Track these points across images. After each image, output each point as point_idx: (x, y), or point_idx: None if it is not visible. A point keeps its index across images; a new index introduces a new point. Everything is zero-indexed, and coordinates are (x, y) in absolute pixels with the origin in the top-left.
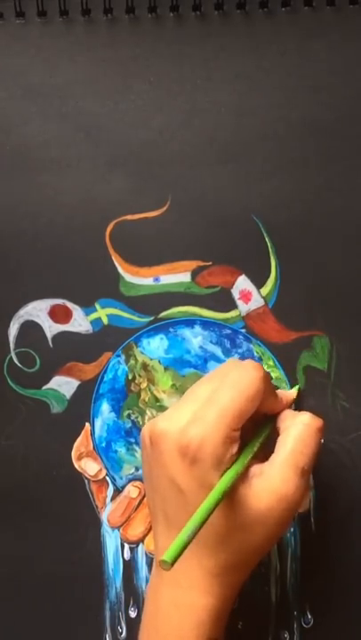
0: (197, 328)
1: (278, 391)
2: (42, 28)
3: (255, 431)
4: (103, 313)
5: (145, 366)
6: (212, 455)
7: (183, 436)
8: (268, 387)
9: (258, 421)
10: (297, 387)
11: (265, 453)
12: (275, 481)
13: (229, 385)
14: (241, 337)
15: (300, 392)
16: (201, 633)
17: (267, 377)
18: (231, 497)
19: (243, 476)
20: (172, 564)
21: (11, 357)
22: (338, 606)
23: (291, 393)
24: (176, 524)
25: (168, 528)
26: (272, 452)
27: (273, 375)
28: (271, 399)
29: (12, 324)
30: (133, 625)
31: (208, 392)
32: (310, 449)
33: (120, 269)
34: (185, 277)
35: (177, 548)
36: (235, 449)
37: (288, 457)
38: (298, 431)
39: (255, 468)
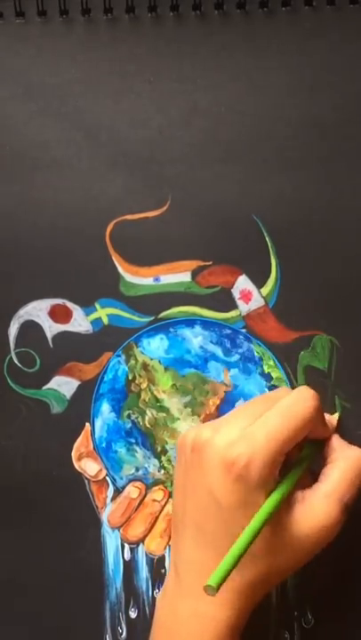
0: (198, 328)
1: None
2: (42, 28)
3: (298, 454)
4: (103, 313)
5: (145, 366)
6: (258, 475)
7: (230, 450)
8: (320, 416)
9: (302, 444)
10: (338, 413)
11: (307, 478)
12: (317, 512)
13: (283, 409)
14: (241, 337)
15: (340, 418)
16: None
17: (320, 407)
18: (271, 520)
19: (285, 500)
20: (218, 588)
21: (11, 357)
22: (338, 607)
23: (334, 418)
24: (209, 536)
25: (198, 539)
26: (313, 477)
27: (273, 375)
28: (320, 427)
29: (12, 323)
30: (134, 625)
31: (259, 412)
32: (355, 487)
33: (120, 269)
34: (185, 277)
35: (223, 572)
36: (278, 472)
37: (334, 491)
38: (347, 466)
39: (298, 495)
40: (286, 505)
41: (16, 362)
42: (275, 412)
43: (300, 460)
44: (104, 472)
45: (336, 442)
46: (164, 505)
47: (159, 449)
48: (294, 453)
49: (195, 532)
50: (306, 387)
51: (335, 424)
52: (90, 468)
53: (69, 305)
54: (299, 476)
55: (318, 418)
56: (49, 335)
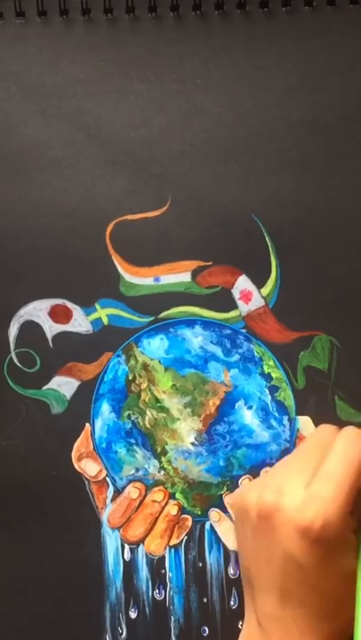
0: (198, 328)
1: None
2: (42, 28)
3: None
4: (103, 313)
5: (145, 366)
6: (336, 533)
7: (303, 515)
8: None
9: None
10: None
11: None
12: None
13: (339, 457)
14: (241, 337)
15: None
16: None
17: None
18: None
19: None
20: None
21: (11, 357)
22: None
23: None
24: (295, 596)
25: (285, 599)
26: None
27: (273, 375)
28: None
29: (12, 324)
30: (134, 625)
31: (312, 462)
32: None
33: (120, 269)
34: (185, 277)
35: None
36: (352, 520)
37: None
38: None
39: None
40: None
41: (16, 362)
42: (333, 461)
43: None
44: (104, 472)
45: None
46: (164, 506)
47: (159, 449)
48: None
49: (279, 592)
50: (352, 427)
51: None
52: (90, 468)
53: (69, 305)
54: None
55: None
56: (49, 335)
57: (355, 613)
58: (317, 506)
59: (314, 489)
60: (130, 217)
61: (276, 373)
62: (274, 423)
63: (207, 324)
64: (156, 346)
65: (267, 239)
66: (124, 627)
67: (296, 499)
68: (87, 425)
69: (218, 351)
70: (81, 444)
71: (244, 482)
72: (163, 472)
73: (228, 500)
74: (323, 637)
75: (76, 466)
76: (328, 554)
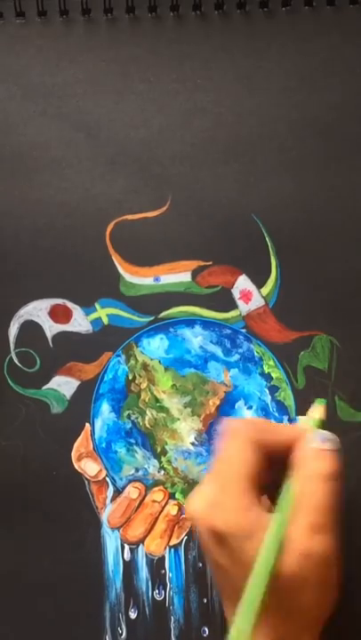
0: (198, 328)
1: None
2: (42, 28)
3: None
4: (103, 313)
5: (145, 366)
6: (235, 528)
7: (207, 518)
8: (260, 436)
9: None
10: (319, 403)
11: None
12: (295, 542)
13: (221, 460)
14: (241, 337)
15: (325, 408)
16: None
17: (254, 431)
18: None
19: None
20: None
21: (11, 357)
22: (338, 607)
23: (310, 419)
24: (228, 597)
25: (228, 604)
26: None
27: (273, 375)
28: (268, 439)
29: (12, 323)
30: (133, 626)
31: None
32: (320, 501)
33: (120, 269)
34: (185, 277)
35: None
36: (260, 510)
37: (301, 515)
38: (307, 486)
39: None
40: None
41: (16, 362)
42: (218, 463)
43: (280, 500)
44: (104, 472)
45: (303, 452)
46: (164, 506)
47: (159, 449)
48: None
49: (225, 598)
50: (233, 421)
51: (308, 426)
52: (90, 468)
53: (69, 305)
54: (285, 520)
55: (259, 439)
56: (49, 335)
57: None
58: (214, 508)
59: (210, 493)
60: (130, 217)
61: (276, 373)
62: None
63: (207, 324)
64: (155, 346)
65: (267, 239)
66: (123, 627)
67: (203, 504)
68: (87, 425)
69: (218, 351)
70: (81, 444)
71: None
72: (163, 472)
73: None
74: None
75: (75, 466)
76: (237, 552)
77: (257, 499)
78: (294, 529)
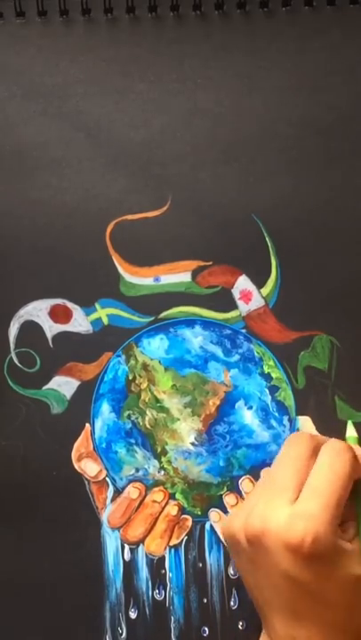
0: (198, 328)
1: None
2: (42, 28)
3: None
4: (103, 313)
5: (145, 366)
6: (327, 547)
7: (292, 534)
8: (358, 462)
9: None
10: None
11: None
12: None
13: (325, 472)
14: (241, 337)
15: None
16: None
17: (355, 455)
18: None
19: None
20: None
21: (11, 357)
22: None
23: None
24: (305, 614)
25: (292, 618)
26: None
27: (273, 375)
28: (359, 469)
29: (12, 323)
30: (133, 626)
31: (294, 478)
32: None
33: (120, 269)
34: (185, 277)
35: None
36: (341, 531)
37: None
38: None
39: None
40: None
41: (16, 362)
42: (318, 477)
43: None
44: (104, 473)
45: None
46: (164, 506)
47: (159, 450)
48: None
49: (288, 614)
50: (336, 440)
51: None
52: (90, 468)
53: (69, 305)
54: None
55: (357, 465)
56: (49, 335)
57: None
58: (305, 522)
59: (300, 506)
60: (130, 217)
61: (276, 373)
62: (274, 423)
63: (207, 324)
64: (156, 346)
65: (267, 239)
66: (123, 627)
67: (282, 518)
68: (87, 425)
69: (218, 351)
70: (81, 444)
71: (232, 510)
72: (163, 472)
73: (219, 530)
74: None
75: (75, 466)
76: (325, 567)
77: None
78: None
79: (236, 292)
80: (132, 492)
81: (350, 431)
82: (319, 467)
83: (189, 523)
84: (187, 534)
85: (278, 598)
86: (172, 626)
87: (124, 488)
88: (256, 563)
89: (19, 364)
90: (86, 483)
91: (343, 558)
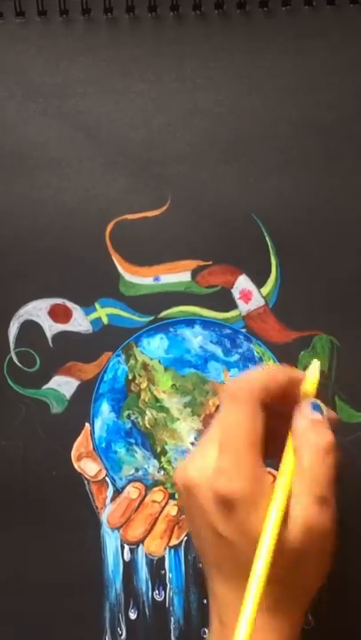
0: (198, 328)
1: (290, 373)
2: (42, 28)
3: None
4: (103, 312)
5: (145, 366)
6: (245, 498)
7: (213, 486)
8: (262, 391)
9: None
10: (315, 366)
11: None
12: (298, 515)
13: (226, 425)
14: (241, 337)
15: (323, 373)
16: None
17: (255, 394)
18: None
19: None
20: None
21: (11, 357)
22: (338, 608)
23: (308, 376)
24: (228, 570)
25: (222, 576)
26: None
27: None
28: (272, 390)
29: (11, 323)
30: (133, 626)
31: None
32: (322, 475)
33: (120, 269)
34: (185, 277)
35: (249, 626)
36: (267, 480)
37: (304, 488)
38: (308, 459)
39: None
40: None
41: (16, 361)
42: (222, 430)
43: (281, 469)
44: (104, 472)
45: (301, 423)
46: (164, 506)
47: (159, 449)
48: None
49: (216, 570)
50: (230, 384)
51: (309, 383)
52: (89, 468)
53: (69, 305)
54: (288, 491)
55: (262, 396)
56: (49, 335)
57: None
58: (222, 476)
59: (217, 461)
60: (130, 216)
61: None
62: None
63: (207, 324)
64: (155, 345)
65: (267, 239)
66: (123, 627)
67: (208, 471)
68: (87, 425)
69: (218, 351)
70: (80, 444)
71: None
72: (162, 472)
73: None
74: (272, 624)
75: (75, 466)
76: (244, 521)
77: (263, 467)
78: (297, 502)
79: (235, 292)
80: (132, 491)
81: (310, 374)
82: (221, 418)
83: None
84: (187, 535)
85: (209, 553)
86: (172, 627)
87: (123, 488)
88: (192, 514)
89: (18, 364)
90: (86, 482)
91: (260, 512)
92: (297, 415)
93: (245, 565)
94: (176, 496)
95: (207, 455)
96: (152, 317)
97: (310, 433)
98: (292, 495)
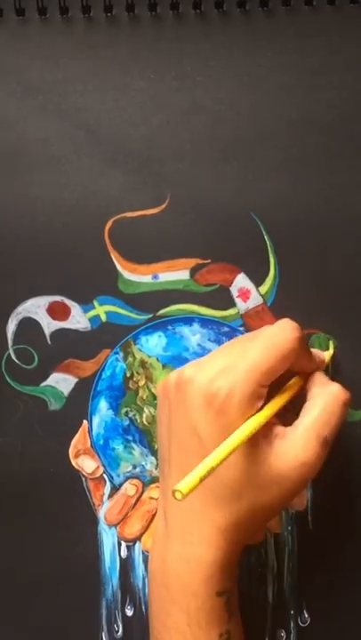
0: (196, 326)
1: (313, 351)
2: (42, 26)
3: (284, 389)
4: (102, 310)
5: (143, 364)
6: (238, 407)
7: (211, 384)
8: (303, 348)
9: (288, 380)
10: (331, 348)
11: (291, 415)
12: (297, 446)
13: (263, 341)
14: (239, 335)
15: (335, 352)
16: (211, 586)
17: (302, 338)
18: (251, 453)
19: (265, 434)
20: (186, 495)
21: (9, 354)
22: (335, 605)
23: (325, 354)
24: (190, 471)
25: (183, 475)
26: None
27: None
28: (304, 360)
29: (10, 320)
30: (130, 623)
31: (242, 346)
32: (334, 420)
33: (119, 266)
34: (184, 275)
35: (193, 480)
36: (260, 404)
37: (312, 425)
38: (325, 401)
39: (279, 429)
40: (268, 439)
41: (14, 358)
42: (255, 344)
43: (283, 390)
44: (101, 469)
45: (318, 377)
46: None
47: (156, 446)
48: (279, 389)
49: (178, 473)
50: (288, 319)
51: (326, 360)
52: (87, 465)
53: (68, 302)
54: (280, 405)
55: (301, 349)
56: (47, 332)
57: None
58: (226, 378)
59: (229, 361)
60: (129, 214)
61: None
62: None
63: (205, 322)
64: (154, 343)
65: (265, 237)
66: (120, 624)
67: (211, 372)
68: (85, 422)
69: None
70: (78, 441)
71: None
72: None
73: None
74: (216, 527)
75: (73, 462)
76: (228, 428)
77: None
78: (301, 435)
79: (234, 290)
80: (130, 488)
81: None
82: (260, 337)
83: None
84: None
85: (177, 454)
86: None
87: (121, 485)
88: (173, 412)
89: (16, 361)
90: (83, 479)
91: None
92: (318, 372)
93: (213, 474)
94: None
95: (211, 359)
96: (150, 315)
97: (332, 385)
98: (297, 428)
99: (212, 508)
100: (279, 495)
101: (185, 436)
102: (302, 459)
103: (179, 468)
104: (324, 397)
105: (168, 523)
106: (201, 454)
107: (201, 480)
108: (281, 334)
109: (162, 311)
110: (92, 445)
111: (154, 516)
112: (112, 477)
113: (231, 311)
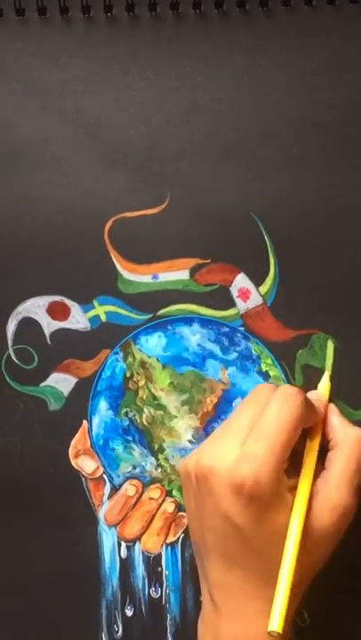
0: (196, 326)
1: (311, 398)
2: (42, 26)
3: (305, 460)
4: (101, 310)
5: (143, 364)
6: (269, 490)
7: (235, 473)
8: (309, 408)
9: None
10: (327, 380)
11: (317, 465)
12: (333, 500)
13: (273, 416)
14: (239, 335)
15: (332, 388)
16: None
17: (306, 401)
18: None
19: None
20: (283, 628)
21: (9, 354)
22: (334, 605)
23: (323, 395)
24: (235, 559)
25: (225, 564)
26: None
27: (271, 374)
28: (311, 415)
29: (10, 320)
30: (130, 624)
31: (249, 422)
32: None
33: (118, 266)
34: (183, 275)
35: (281, 614)
36: (288, 478)
37: (343, 476)
38: (350, 449)
39: (311, 488)
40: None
41: (14, 358)
42: (266, 420)
43: (306, 455)
44: (101, 470)
45: (336, 421)
46: (161, 503)
47: (156, 447)
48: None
49: (220, 558)
50: (288, 385)
51: (325, 402)
52: (87, 465)
53: (67, 302)
54: (310, 481)
55: (308, 411)
56: (47, 332)
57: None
58: (250, 464)
59: (246, 448)
60: (128, 214)
61: (274, 371)
62: None
63: (205, 322)
64: (153, 343)
65: (265, 237)
66: (120, 625)
67: (229, 459)
68: (84, 422)
69: (216, 349)
70: (78, 441)
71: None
72: (160, 469)
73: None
74: (269, 602)
75: (73, 463)
76: (263, 512)
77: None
78: (335, 488)
79: (234, 290)
80: (129, 489)
81: (323, 382)
82: (268, 410)
83: (186, 520)
84: (183, 532)
85: (214, 541)
86: (169, 624)
87: (121, 485)
88: (201, 502)
89: (16, 361)
90: (83, 480)
91: (281, 505)
92: (332, 414)
93: (257, 554)
94: (173, 493)
95: (225, 444)
96: (150, 315)
97: (351, 428)
98: (328, 481)
99: (263, 587)
100: (326, 550)
101: (218, 525)
102: (340, 510)
103: (221, 557)
104: (349, 445)
105: (217, 603)
106: (240, 540)
107: (286, 608)
108: (286, 406)
109: (162, 311)
110: (91, 446)
111: (153, 516)
112: (112, 478)
113: (231, 311)
